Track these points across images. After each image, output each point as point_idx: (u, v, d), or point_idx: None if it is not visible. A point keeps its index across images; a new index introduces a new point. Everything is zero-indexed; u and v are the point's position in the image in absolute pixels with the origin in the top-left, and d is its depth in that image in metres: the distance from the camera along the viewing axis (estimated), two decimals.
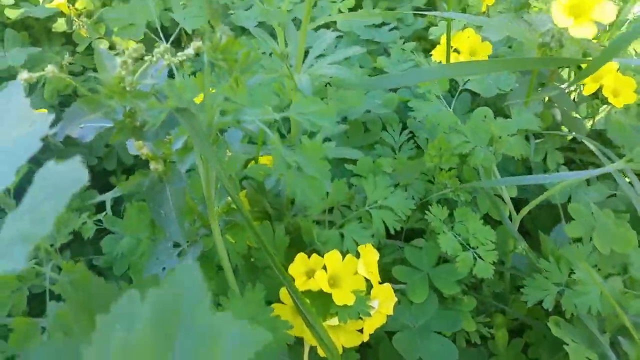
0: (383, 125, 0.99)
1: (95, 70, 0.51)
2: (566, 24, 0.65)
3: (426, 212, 0.74)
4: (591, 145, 0.95)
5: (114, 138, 0.52)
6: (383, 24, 1.32)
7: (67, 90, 1.01)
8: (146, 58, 0.51)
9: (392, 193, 0.72)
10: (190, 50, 0.49)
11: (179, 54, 0.50)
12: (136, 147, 0.52)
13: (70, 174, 0.29)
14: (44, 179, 0.31)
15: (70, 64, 1.05)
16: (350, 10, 1.34)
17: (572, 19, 0.66)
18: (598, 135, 1.08)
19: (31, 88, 1.02)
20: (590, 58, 0.71)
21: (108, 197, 0.73)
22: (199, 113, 0.50)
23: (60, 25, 1.12)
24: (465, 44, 1.08)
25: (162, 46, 0.52)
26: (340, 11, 1.34)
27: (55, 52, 1.08)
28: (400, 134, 0.92)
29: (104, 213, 0.83)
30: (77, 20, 1.06)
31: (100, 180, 1.05)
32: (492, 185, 0.76)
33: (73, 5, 1.07)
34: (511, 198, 0.86)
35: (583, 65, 0.90)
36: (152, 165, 0.52)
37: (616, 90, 0.88)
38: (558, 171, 1.01)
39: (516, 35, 0.96)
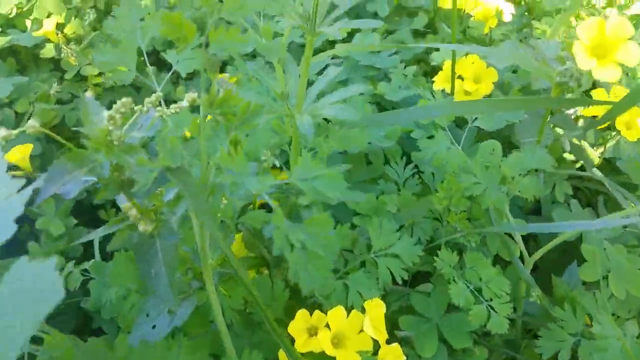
0: (386, 158, 0.95)
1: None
2: (589, 66, 0.61)
3: (434, 257, 0.70)
4: (603, 179, 0.91)
5: (99, 196, 0.48)
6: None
7: (55, 120, 0.97)
8: (136, 108, 0.47)
9: (398, 239, 0.68)
10: (184, 103, 0.45)
11: (172, 106, 0.46)
12: (124, 209, 0.48)
13: (44, 283, 0.25)
14: (14, 283, 0.26)
15: (57, 92, 1.01)
16: (349, 34, 1.30)
17: (595, 60, 0.62)
18: (607, 162, 1.05)
19: (18, 119, 0.97)
20: (610, 98, 0.67)
21: (96, 235, 0.68)
22: (193, 169, 0.46)
23: (48, 50, 1.08)
24: (469, 71, 1.05)
25: (154, 95, 0.48)
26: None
27: (43, 80, 1.04)
28: (405, 167, 0.88)
29: (91, 261, 0.78)
30: (65, 47, 1.01)
31: (88, 214, 1.00)
32: (506, 231, 0.72)
33: (62, 31, 1.02)
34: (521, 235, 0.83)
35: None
36: (141, 227, 0.47)
37: (629, 123, 0.85)
38: (568, 203, 0.97)
39: (523, 65, 0.93)
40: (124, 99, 0.43)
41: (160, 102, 0.48)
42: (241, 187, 0.38)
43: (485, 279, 0.67)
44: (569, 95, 0.70)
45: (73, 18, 1.11)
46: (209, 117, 0.44)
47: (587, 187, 1.12)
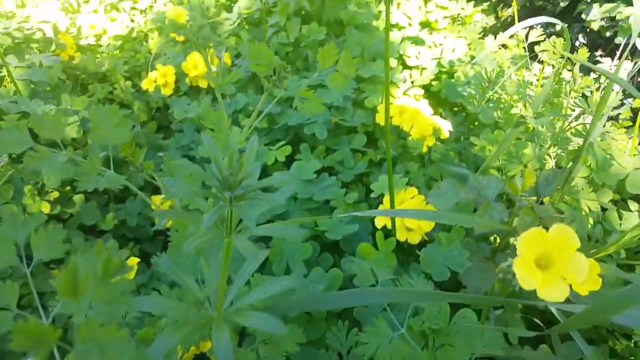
0: (327, 314, 0.88)
1: None
2: (532, 286, 0.56)
3: None
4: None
5: None
6: (323, 168, 1.24)
7: None
8: None
9: None
10: None
11: None
12: None
13: None
14: None
15: None
16: (287, 157, 1.27)
17: (540, 275, 0.57)
18: None
19: None
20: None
21: None
22: None
23: None
24: (409, 206, 1.01)
25: None
26: (276, 159, 1.26)
27: None
28: (348, 332, 0.80)
29: None
30: None
31: None
32: None
33: None
34: None
35: None
36: None
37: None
38: (521, 346, 0.92)
39: (461, 223, 0.89)
40: None
41: None
42: None
43: None
44: None
45: None
46: None
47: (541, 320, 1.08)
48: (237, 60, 1.55)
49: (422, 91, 1.54)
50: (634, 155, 1.24)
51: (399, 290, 0.70)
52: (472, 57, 1.61)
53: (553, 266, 0.58)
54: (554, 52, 1.00)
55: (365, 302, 0.68)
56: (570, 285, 0.81)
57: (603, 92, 0.90)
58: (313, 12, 1.60)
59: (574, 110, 1.25)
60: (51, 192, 1.25)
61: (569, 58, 1.16)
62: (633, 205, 1.22)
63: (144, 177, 0.82)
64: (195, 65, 1.52)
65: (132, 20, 1.98)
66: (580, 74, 1.15)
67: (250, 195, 0.50)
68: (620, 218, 1.18)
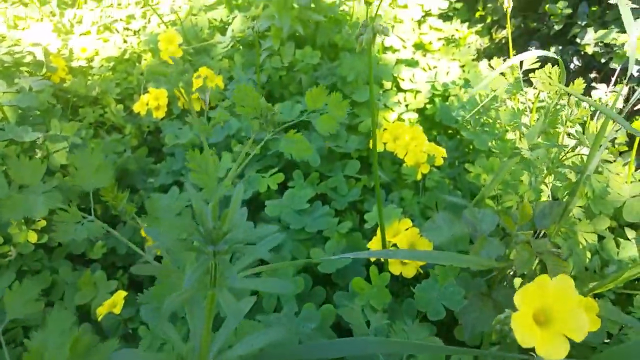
0: None
1: None
2: (531, 344, 0.53)
3: None
4: None
5: None
6: (316, 195, 1.22)
7: None
8: None
9: None
10: None
11: None
12: None
13: None
14: None
15: None
16: (280, 184, 1.25)
17: (539, 331, 0.55)
18: None
19: None
20: None
21: None
22: None
23: None
24: (404, 238, 0.99)
25: None
26: (269, 186, 1.24)
27: None
28: None
29: None
30: None
31: None
32: None
33: None
34: None
35: None
36: None
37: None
38: None
39: (457, 263, 0.87)
40: None
41: None
42: None
43: None
44: None
45: None
46: None
47: None
48: (230, 84, 1.54)
49: (416, 115, 1.52)
50: (631, 182, 1.23)
51: (393, 342, 0.67)
52: (467, 80, 1.60)
53: (553, 322, 0.56)
54: (550, 84, 0.98)
55: (358, 352, 0.65)
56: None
57: (599, 125, 0.88)
58: (307, 36, 1.59)
59: (569, 134, 1.24)
60: (38, 221, 1.22)
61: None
62: (630, 233, 1.20)
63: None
64: None
65: (124, 41, 1.97)
66: (576, 99, 1.14)
67: (234, 249, 0.48)
68: (618, 246, 1.17)
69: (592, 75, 1.76)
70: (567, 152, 0.98)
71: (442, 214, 0.92)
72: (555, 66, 1.07)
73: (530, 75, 1.15)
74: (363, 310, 0.87)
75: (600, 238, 1.16)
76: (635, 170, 1.28)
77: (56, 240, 0.55)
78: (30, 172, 0.55)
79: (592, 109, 1.32)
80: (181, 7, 2.04)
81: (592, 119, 1.21)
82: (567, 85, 1.13)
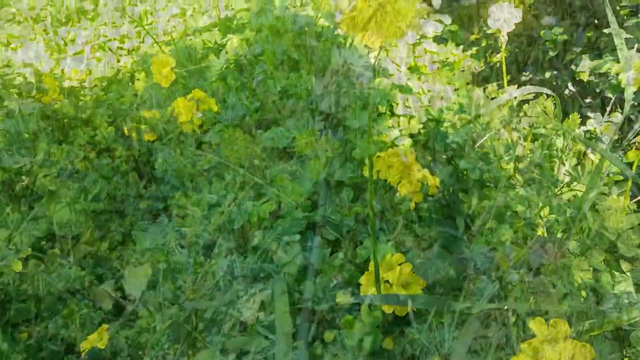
0: None
1: None
2: None
3: None
4: None
5: None
6: (307, 228, 1.20)
7: None
8: None
9: None
10: None
11: None
12: None
13: None
14: None
15: None
16: (271, 213, 1.22)
17: None
18: None
19: None
20: None
21: None
22: None
23: None
24: (396, 275, 0.97)
25: None
26: (259, 215, 1.22)
27: None
28: None
29: None
30: None
31: None
32: None
33: None
34: None
35: None
36: None
37: None
38: None
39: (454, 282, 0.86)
40: None
41: None
42: None
43: None
44: None
45: None
46: None
47: None
48: (225, 108, 1.52)
49: (410, 140, 1.51)
50: (626, 214, 1.22)
51: None
52: (461, 105, 1.59)
53: None
54: (544, 119, 0.97)
55: None
56: None
57: (595, 159, 0.87)
58: (301, 59, 1.58)
59: (564, 164, 1.23)
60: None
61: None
62: (625, 266, 1.19)
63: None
64: (180, 111, 1.48)
65: (118, 61, 1.96)
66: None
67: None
68: (613, 279, 1.15)
69: (588, 100, 1.76)
70: (562, 188, 0.97)
71: (435, 250, 0.90)
72: (550, 98, 1.06)
73: (525, 106, 1.14)
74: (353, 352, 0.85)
75: (595, 271, 1.14)
76: (631, 201, 1.27)
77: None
78: None
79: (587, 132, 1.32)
80: (176, 26, 2.03)
81: (587, 150, 1.20)
82: (563, 113, 1.13)
